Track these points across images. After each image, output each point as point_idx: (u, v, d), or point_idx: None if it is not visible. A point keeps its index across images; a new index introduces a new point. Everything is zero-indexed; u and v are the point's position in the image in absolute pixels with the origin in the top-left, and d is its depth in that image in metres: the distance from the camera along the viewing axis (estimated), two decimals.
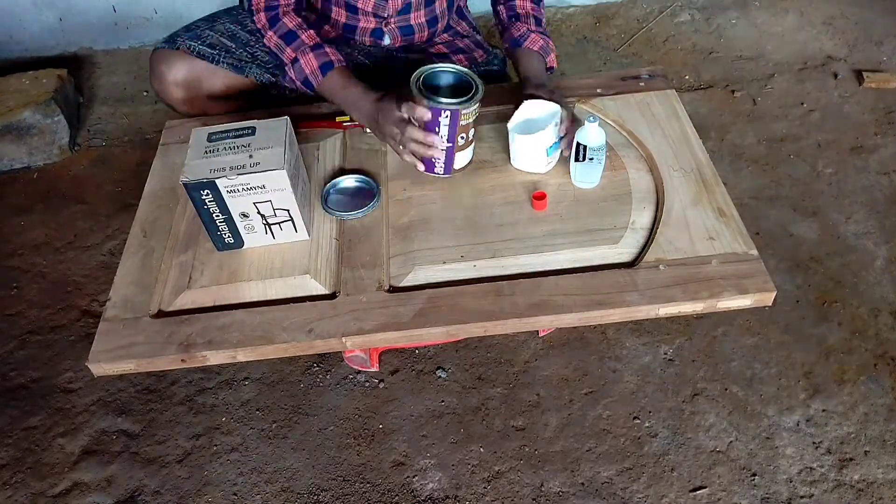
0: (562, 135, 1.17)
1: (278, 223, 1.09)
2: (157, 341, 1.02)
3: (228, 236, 1.10)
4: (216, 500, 1.27)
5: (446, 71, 1.16)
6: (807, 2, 2.25)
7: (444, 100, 1.09)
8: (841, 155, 1.78)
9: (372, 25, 1.36)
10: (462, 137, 1.13)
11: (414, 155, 1.16)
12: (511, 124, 1.16)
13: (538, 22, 1.34)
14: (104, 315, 1.07)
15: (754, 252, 1.04)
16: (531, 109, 1.18)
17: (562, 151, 1.19)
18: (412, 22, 1.36)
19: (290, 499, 1.26)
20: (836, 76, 1.99)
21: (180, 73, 1.33)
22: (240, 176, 1.01)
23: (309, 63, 1.25)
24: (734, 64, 2.07)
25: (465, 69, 1.16)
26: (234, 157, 1.04)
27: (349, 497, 1.26)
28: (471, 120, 1.12)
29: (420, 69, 1.14)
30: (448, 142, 1.12)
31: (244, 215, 1.07)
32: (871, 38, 2.11)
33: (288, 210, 1.07)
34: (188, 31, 1.37)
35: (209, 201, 1.04)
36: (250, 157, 1.03)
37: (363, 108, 1.23)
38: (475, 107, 1.11)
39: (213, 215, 1.06)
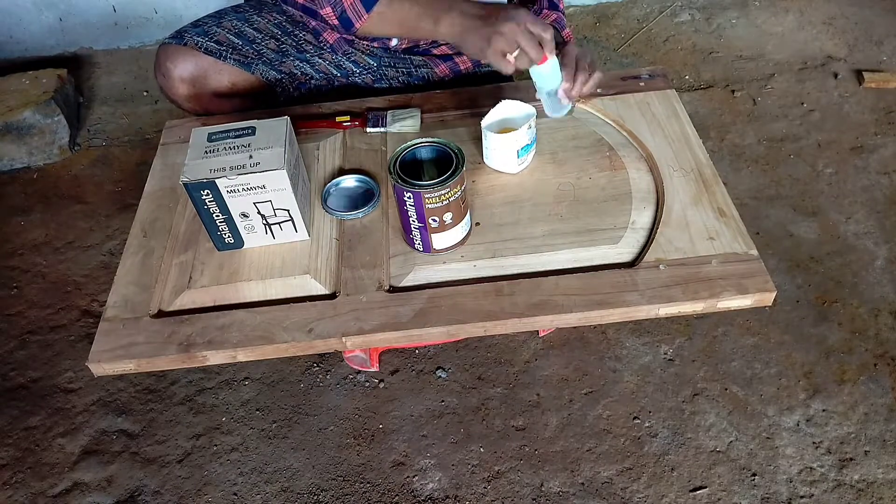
0: (532, 127, 1.15)
1: (278, 223, 1.09)
2: (157, 341, 1.02)
3: (228, 236, 1.10)
4: (216, 500, 1.27)
5: (435, 145, 1.07)
6: (807, 2, 2.25)
7: (409, 180, 1.00)
8: (841, 155, 1.78)
9: None
10: (434, 220, 1.03)
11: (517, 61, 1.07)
12: (485, 122, 1.17)
13: (553, 5, 1.34)
14: (104, 315, 1.07)
15: (754, 252, 1.04)
16: (507, 109, 1.19)
17: (535, 152, 1.20)
18: None
19: (290, 499, 1.26)
20: (836, 76, 1.99)
21: (187, 69, 1.33)
22: (240, 176, 1.01)
23: None
24: (734, 64, 2.07)
25: (455, 146, 1.04)
26: (234, 157, 1.04)
27: (349, 497, 1.26)
28: (444, 203, 1.01)
29: (409, 142, 1.06)
30: (419, 221, 1.04)
31: (244, 215, 1.07)
32: (871, 38, 2.11)
33: (288, 210, 1.07)
34: (196, 27, 1.37)
35: (209, 201, 1.04)
36: (250, 157, 1.03)
37: (473, 8, 1.10)
38: (446, 191, 1.00)
39: (213, 215, 1.06)
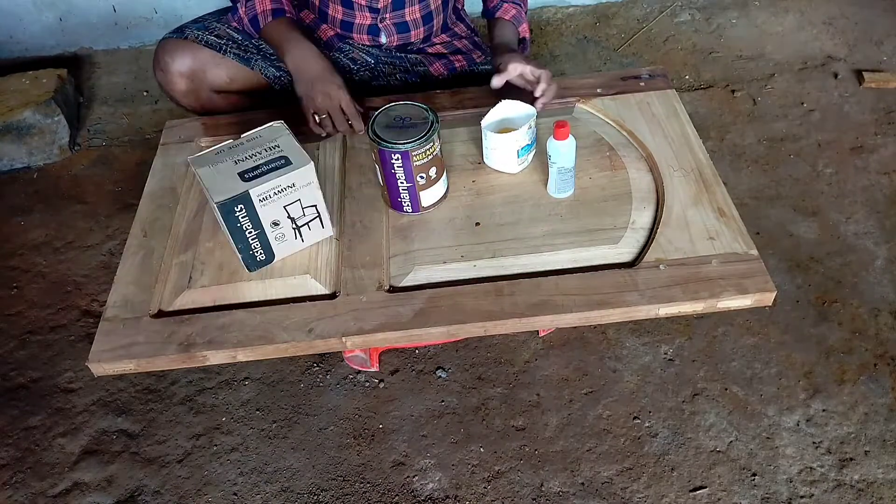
0: (532, 128, 1.17)
1: (307, 223, 1.08)
2: (157, 341, 1.02)
3: (260, 253, 1.07)
4: (216, 500, 1.27)
5: (408, 105, 1.12)
6: (807, 2, 2.25)
7: (393, 142, 1.06)
8: (841, 155, 1.78)
9: (368, 22, 1.36)
10: (422, 177, 1.09)
11: (323, 128, 1.26)
12: (485, 122, 1.17)
13: None
14: (104, 315, 1.07)
15: (754, 252, 1.04)
16: (507, 109, 1.19)
17: (535, 152, 1.21)
18: (407, 18, 1.37)
19: (290, 499, 1.26)
20: (836, 76, 1.99)
21: (185, 63, 1.33)
22: (270, 180, 1.00)
23: (262, 3, 1.28)
24: (734, 64, 2.07)
25: (425, 105, 1.11)
26: (256, 165, 1.03)
27: (349, 497, 1.26)
28: (428, 159, 1.08)
29: (382, 107, 1.12)
30: (407, 182, 1.10)
31: (275, 224, 1.05)
32: (871, 38, 2.11)
33: (315, 205, 1.07)
34: (196, 22, 1.39)
35: (242, 217, 1.02)
36: (271, 161, 1.03)
37: (311, 64, 1.26)
38: (429, 146, 1.07)
39: (246, 232, 1.04)
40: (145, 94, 2.15)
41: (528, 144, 1.17)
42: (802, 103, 1.93)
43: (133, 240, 1.18)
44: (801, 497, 1.21)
